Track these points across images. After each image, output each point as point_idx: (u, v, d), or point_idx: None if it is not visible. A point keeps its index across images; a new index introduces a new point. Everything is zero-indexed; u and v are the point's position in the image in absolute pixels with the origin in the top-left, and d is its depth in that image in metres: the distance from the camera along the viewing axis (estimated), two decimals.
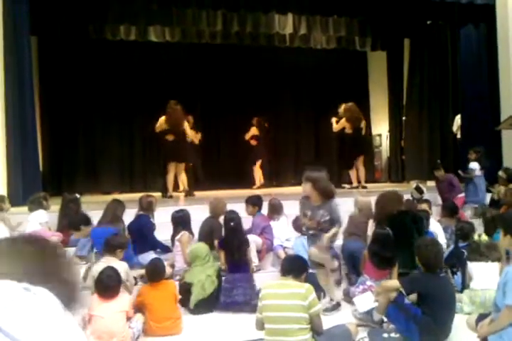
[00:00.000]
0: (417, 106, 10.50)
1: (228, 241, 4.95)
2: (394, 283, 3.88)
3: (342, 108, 9.28)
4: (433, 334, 3.65)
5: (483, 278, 4.31)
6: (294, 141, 11.49)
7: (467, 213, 6.73)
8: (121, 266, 4.23)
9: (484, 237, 4.70)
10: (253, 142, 9.91)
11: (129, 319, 3.81)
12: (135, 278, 4.58)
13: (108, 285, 3.76)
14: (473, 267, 4.44)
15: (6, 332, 0.50)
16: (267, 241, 5.50)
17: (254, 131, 9.89)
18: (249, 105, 10.68)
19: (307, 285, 3.32)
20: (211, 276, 4.62)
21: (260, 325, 3.39)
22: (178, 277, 4.88)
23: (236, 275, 4.73)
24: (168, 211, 5.53)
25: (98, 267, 4.12)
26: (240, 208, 5.62)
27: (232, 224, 4.97)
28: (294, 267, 3.52)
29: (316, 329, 3.30)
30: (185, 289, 4.55)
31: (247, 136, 9.88)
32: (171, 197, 8.00)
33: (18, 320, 0.52)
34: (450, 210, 5.94)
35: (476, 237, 4.64)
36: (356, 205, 5.72)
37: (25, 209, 5.64)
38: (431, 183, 8.12)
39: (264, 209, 5.87)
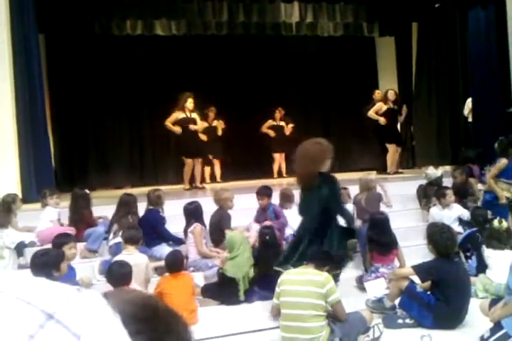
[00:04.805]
0: (426, 91, 10.41)
1: (264, 256, 4.67)
2: (407, 270, 3.88)
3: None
4: (447, 319, 3.66)
5: (499, 269, 4.12)
6: (303, 130, 11.43)
7: None
8: (142, 258, 4.34)
9: (505, 224, 4.58)
10: (271, 133, 10.05)
11: None
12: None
13: (119, 272, 3.78)
14: (490, 255, 4.33)
15: (66, 326, 0.56)
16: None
17: (271, 121, 10.10)
18: (257, 95, 10.65)
19: (326, 274, 3.37)
20: (252, 267, 4.60)
21: (275, 312, 3.43)
22: (191, 268, 4.93)
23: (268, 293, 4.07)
24: (180, 203, 5.57)
25: (120, 259, 4.23)
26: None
27: (267, 237, 4.79)
28: (318, 257, 3.55)
29: (338, 316, 3.34)
30: (226, 282, 4.50)
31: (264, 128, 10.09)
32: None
33: (76, 316, 0.60)
34: (460, 194, 5.99)
35: (496, 223, 4.48)
36: (360, 186, 5.76)
37: (38, 205, 5.73)
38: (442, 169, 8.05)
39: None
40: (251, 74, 10.75)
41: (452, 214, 5.59)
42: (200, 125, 8.39)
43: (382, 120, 8.93)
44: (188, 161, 8.13)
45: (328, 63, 11.32)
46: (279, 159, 10.13)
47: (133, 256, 4.31)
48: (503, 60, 8.38)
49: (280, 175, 10.03)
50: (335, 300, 3.28)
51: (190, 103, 8.02)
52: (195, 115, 8.19)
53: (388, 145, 9.04)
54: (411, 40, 10.79)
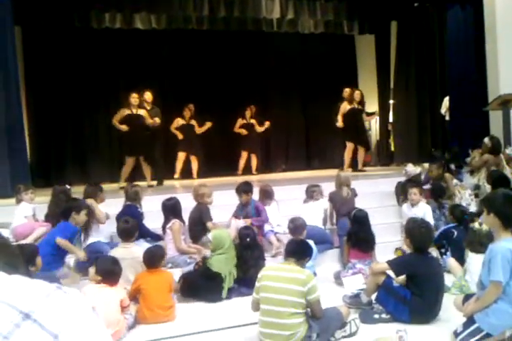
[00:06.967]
0: (404, 89, 10.52)
1: (243, 258, 4.64)
2: (383, 265, 3.93)
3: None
4: (423, 314, 3.72)
5: (477, 275, 3.82)
6: (284, 127, 11.47)
7: (467, 192, 6.60)
8: (139, 251, 4.43)
9: (485, 226, 4.57)
10: (243, 131, 9.99)
11: (124, 308, 3.81)
12: None
13: (111, 268, 3.82)
14: (470, 258, 4.30)
15: (43, 326, 0.58)
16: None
17: (241, 120, 10.05)
18: (237, 91, 10.63)
19: (308, 272, 3.37)
20: (236, 266, 4.60)
21: (256, 306, 3.43)
22: (169, 265, 4.91)
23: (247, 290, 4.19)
24: (159, 199, 5.53)
25: (117, 252, 4.35)
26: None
27: (248, 240, 4.74)
28: (298, 250, 3.54)
29: (315, 314, 3.37)
30: (210, 277, 4.46)
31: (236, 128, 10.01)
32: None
33: (54, 315, 0.58)
34: (437, 192, 6.05)
35: (477, 225, 4.43)
36: (338, 182, 5.81)
37: (13, 201, 5.63)
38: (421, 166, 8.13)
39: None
40: (231, 69, 10.72)
41: (418, 213, 5.53)
42: (150, 122, 7.95)
43: (339, 123, 9.03)
44: (128, 160, 7.98)
45: (308, 60, 11.35)
46: (246, 157, 10.12)
47: (130, 249, 4.46)
48: (479, 59, 8.51)
49: (249, 172, 10.02)
50: (315, 298, 3.29)
51: (133, 98, 7.85)
52: (141, 111, 7.95)
53: (347, 143, 9.11)
54: (390, 39, 10.89)
